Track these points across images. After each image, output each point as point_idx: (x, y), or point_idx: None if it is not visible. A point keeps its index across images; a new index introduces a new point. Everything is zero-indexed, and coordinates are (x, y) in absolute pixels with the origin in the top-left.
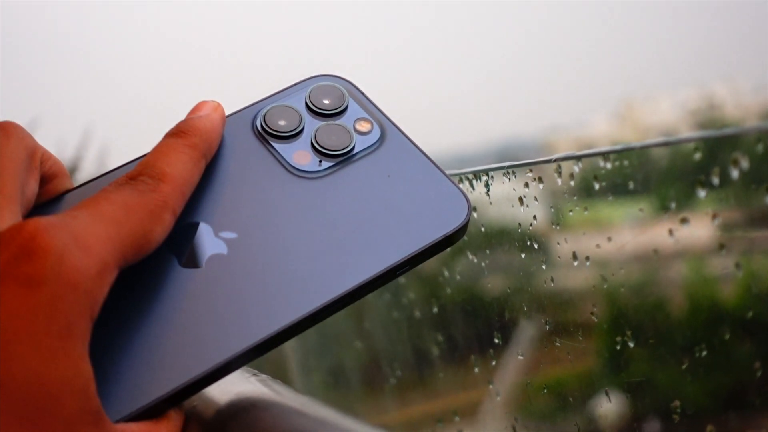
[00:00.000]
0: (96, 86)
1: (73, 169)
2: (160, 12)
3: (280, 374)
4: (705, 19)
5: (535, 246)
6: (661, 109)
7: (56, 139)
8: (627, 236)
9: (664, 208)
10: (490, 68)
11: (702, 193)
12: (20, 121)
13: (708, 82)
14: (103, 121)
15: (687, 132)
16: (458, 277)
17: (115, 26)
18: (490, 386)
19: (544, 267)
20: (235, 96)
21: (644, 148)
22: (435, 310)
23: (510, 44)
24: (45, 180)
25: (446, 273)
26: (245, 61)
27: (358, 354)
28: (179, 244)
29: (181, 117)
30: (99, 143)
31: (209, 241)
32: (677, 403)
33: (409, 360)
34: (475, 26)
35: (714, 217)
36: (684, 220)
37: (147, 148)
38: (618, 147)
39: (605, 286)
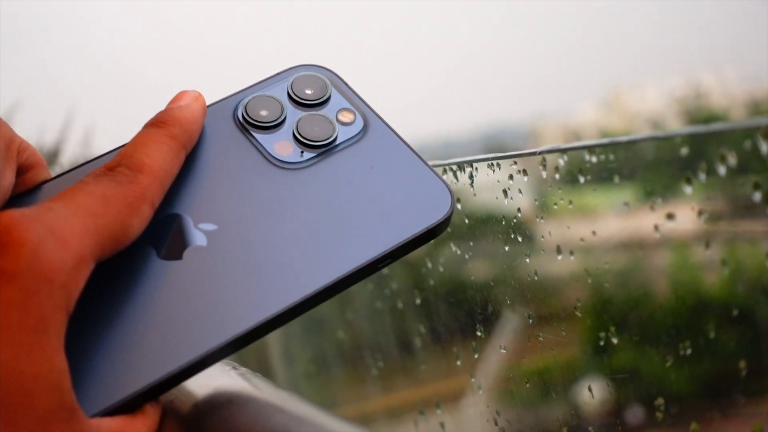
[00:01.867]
0: (79, 68)
1: (56, 152)
2: None
3: (262, 363)
4: (693, 8)
5: (519, 239)
6: (648, 96)
7: (39, 122)
8: (612, 229)
9: (649, 203)
10: (477, 55)
11: (689, 189)
12: (2, 103)
13: (695, 71)
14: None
15: (673, 121)
16: (441, 269)
17: (100, 8)
18: (473, 379)
19: (527, 260)
20: (217, 75)
21: (630, 143)
22: (418, 301)
23: (497, 31)
24: (22, 170)
25: (429, 264)
26: (229, 45)
27: (341, 344)
28: (158, 235)
29: (165, 99)
30: (83, 125)
31: (189, 232)
32: (660, 400)
33: (392, 350)
34: (461, 12)
35: (700, 213)
36: (670, 216)
37: (131, 130)
38: (604, 141)
39: (589, 280)
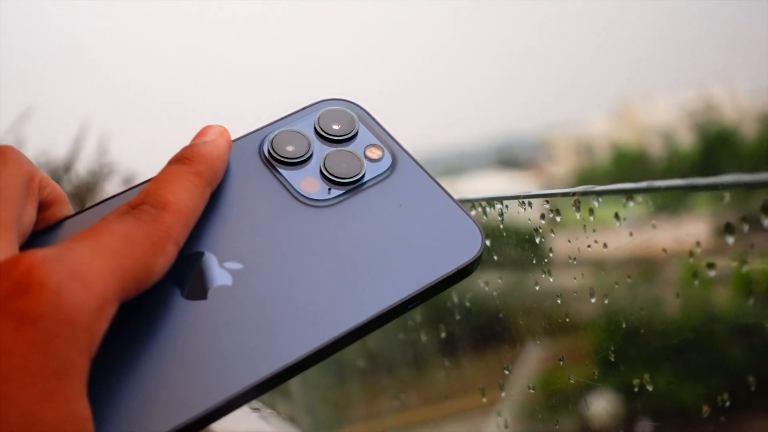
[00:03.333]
0: (94, 76)
1: (72, 161)
2: (165, 5)
3: (280, 388)
4: (704, 20)
5: (551, 279)
6: (659, 108)
7: (53, 130)
8: (655, 276)
9: (689, 252)
10: (489, 66)
11: (731, 239)
12: (15, 109)
13: (706, 83)
14: (101, 112)
15: (685, 134)
16: (468, 304)
17: (115, 17)
18: (498, 417)
19: (559, 301)
20: (239, 95)
21: (669, 189)
22: (443, 335)
23: (510, 42)
24: (43, 206)
25: (455, 298)
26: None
27: (361, 373)
28: (182, 275)
29: (182, 110)
30: (98, 134)
31: (214, 272)
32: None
33: (415, 383)
34: (474, 24)
35: (742, 264)
36: (710, 266)
37: (146, 140)
38: (642, 185)
39: (624, 325)
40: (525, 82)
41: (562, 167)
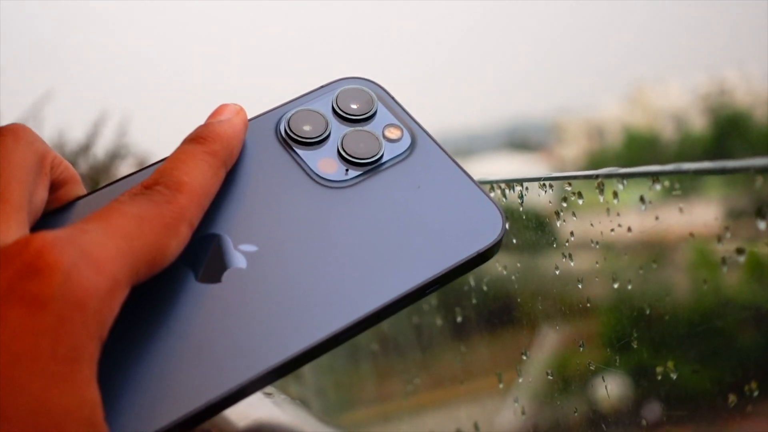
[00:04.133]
0: (115, 57)
1: (90, 143)
2: None
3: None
4: (717, 4)
5: (572, 263)
6: (671, 92)
7: (72, 112)
8: (677, 260)
9: (717, 237)
10: (501, 48)
11: (762, 225)
12: (35, 92)
13: (719, 67)
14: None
15: (697, 118)
16: (485, 288)
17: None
18: (515, 404)
19: (580, 286)
20: (256, 76)
21: (698, 173)
22: (459, 319)
23: (522, 24)
24: (55, 186)
25: (472, 282)
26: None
27: (374, 356)
28: (196, 257)
29: (200, 89)
30: (117, 115)
31: (228, 254)
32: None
33: (429, 367)
34: (486, 6)
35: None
36: (740, 251)
37: (164, 122)
38: (669, 168)
39: (648, 311)
40: (537, 64)
41: (573, 150)
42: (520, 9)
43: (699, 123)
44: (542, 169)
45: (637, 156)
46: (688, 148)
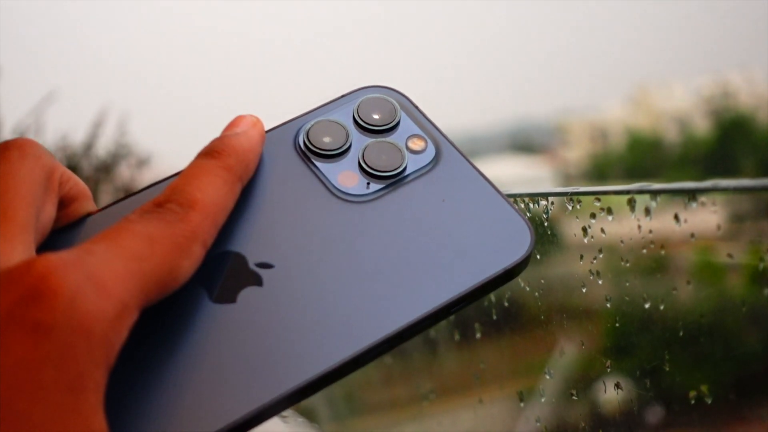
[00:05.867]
0: (117, 59)
1: (91, 143)
2: None
3: None
4: (721, 7)
5: (600, 281)
6: (675, 95)
7: (73, 114)
8: (709, 285)
9: (757, 255)
10: (504, 50)
11: None
12: (36, 93)
13: (722, 70)
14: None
15: (701, 120)
16: (506, 304)
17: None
18: (537, 423)
19: (608, 305)
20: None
21: (738, 191)
22: (478, 335)
23: (524, 27)
24: (64, 202)
25: (492, 297)
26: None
27: (388, 369)
28: (210, 276)
29: (206, 97)
30: (117, 115)
31: (244, 272)
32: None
33: (446, 382)
34: (490, 8)
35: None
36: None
37: (168, 125)
38: (706, 184)
39: (681, 333)
40: (540, 66)
41: (576, 152)
42: (524, 11)
43: (702, 125)
44: (544, 171)
45: (641, 158)
46: (692, 150)
